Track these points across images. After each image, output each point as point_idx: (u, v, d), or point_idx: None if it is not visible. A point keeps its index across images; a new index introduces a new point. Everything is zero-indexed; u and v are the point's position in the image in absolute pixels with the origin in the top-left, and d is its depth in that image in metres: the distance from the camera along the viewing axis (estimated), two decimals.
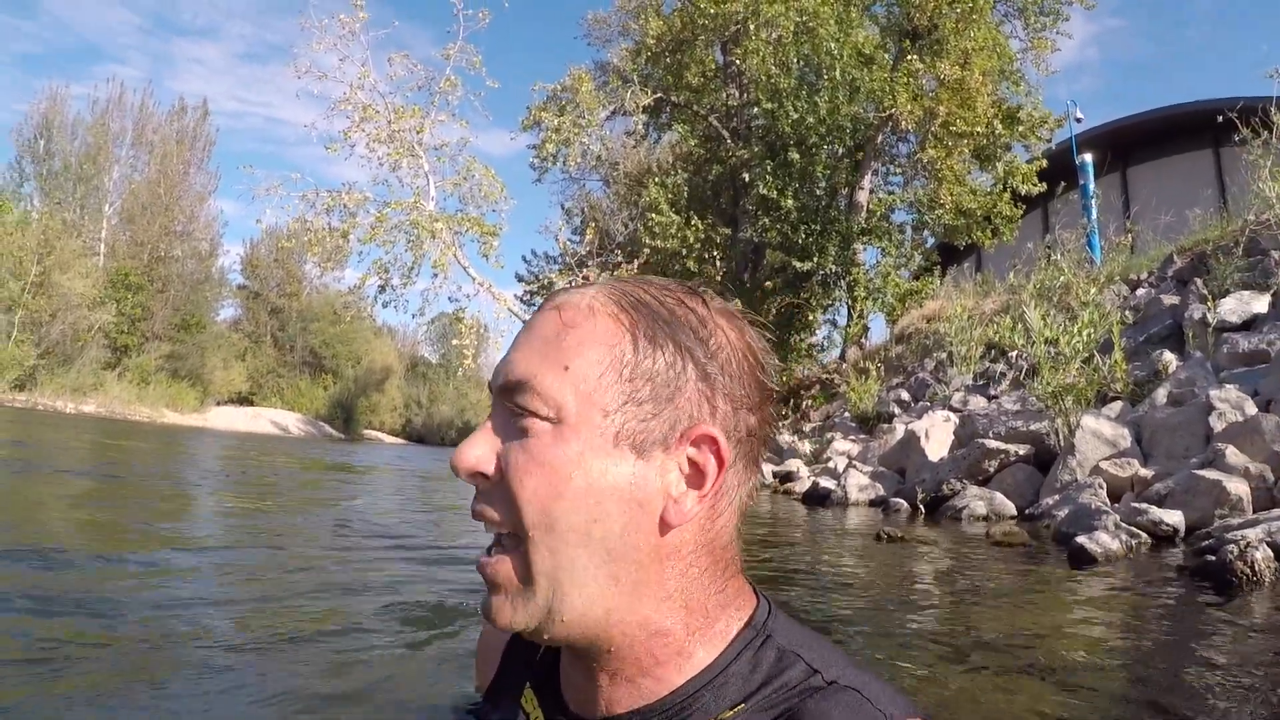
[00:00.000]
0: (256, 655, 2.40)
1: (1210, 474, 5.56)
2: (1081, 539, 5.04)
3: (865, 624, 3.57)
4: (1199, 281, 10.22)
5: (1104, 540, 5.01)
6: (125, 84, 65.45)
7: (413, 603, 3.36)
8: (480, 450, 1.00)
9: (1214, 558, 4.20)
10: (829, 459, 12.78)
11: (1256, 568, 3.97)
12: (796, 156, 22.03)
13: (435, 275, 24.30)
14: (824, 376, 21.28)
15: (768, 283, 23.86)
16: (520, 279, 34.91)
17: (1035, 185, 21.86)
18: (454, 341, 28.23)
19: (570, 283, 25.35)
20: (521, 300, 29.23)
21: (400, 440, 72.00)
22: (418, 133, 24.81)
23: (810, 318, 24.48)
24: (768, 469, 13.84)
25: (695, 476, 1.00)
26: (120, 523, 5.41)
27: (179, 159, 61.99)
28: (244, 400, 66.30)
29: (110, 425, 26.53)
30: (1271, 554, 4.05)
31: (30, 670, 1.95)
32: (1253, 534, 4.33)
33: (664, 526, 0.99)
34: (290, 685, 2.14)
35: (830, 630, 3.32)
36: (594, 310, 1.01)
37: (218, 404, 60.90)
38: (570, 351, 0.99)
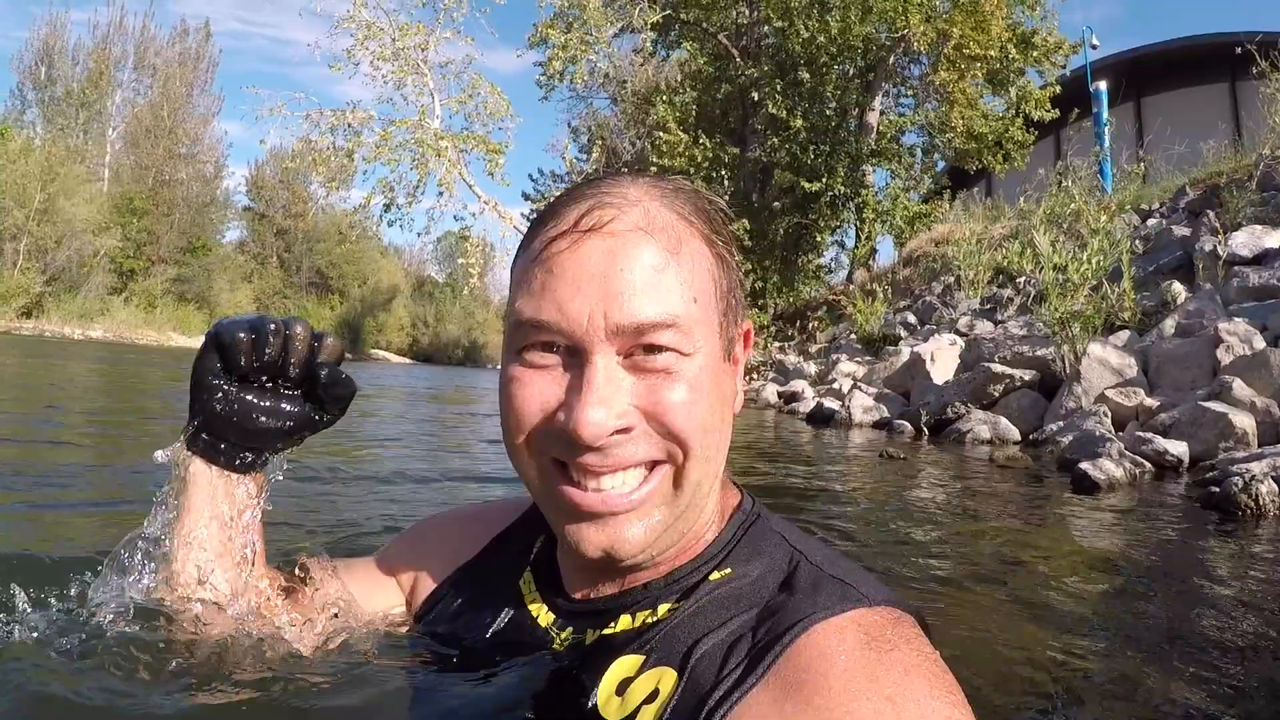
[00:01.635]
0: None
1: (1216, 406, 5.59)
2: (1085, 465, 5.07)
3: (864, 537, 3.63)
4: (1211, 214, 10.15)
5: (1108, 467, 5.05)
6: (126, 7, 64.62)
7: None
8: (618, 406, 1.00)
9: (1218, 489, 4.24)
10: (834, 380, 12.83)
11: (1261, 501, 4.01)
12: (807, 76, 21.76)
13: (441, 193, 24.25)
14: (831, 298, 21.24)
15: (776, 203, 23.72)
16: (527, 197, 34.64)
17: (1048, 111, 21.59)
18: (460, 260, 28.23)
19: None
20: (527, 219, 29.14)
21: (407, 360, 72.19)
22: (422, 50, 24.57)
23: (818, 239, 24.34)
24: (772, 389, 13.92)
25: (735, 365, 1.13)
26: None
27: (181, 81, 61.45)
28: None
29: (117, 350, 26.59)
30: (1276, 488, 4.10)
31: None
32: (1258, 467, 4.36)
33: (732, 415, 1.12)
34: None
35: (828, 541, 3.36)
36: (681, 235, 1.05)
37: None
38: (690, 283, 1.04)
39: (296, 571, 1.47)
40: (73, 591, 1.34)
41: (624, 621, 1.10)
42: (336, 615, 1.39)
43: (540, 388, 1.04)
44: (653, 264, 1.01)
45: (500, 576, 1.31)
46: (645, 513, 1.05)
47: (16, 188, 43.41)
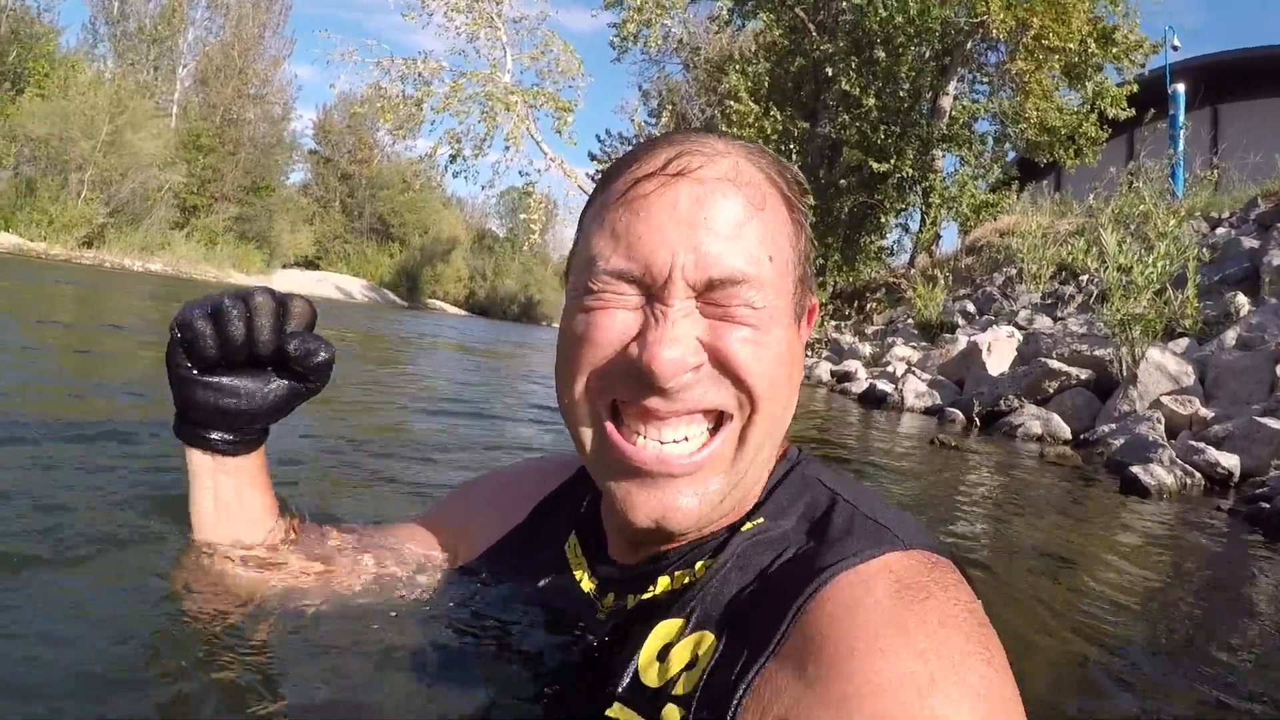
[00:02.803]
0: None
1: (1272, 422, 5.59)
2: (1135, 469, 5.12)
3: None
4: None
5: (1158, 473, 5.09)
6: None
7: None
8: (690, 348, 0.99)
9: (1268, 506, 4.27)
10: (888, 363, 12.83)
11: None
12: (882, 55, 21.53)
13: (507, 148, 24.38)
14: (891, 280, 21.17)
15: (842, 181, 23.56)
16: (593, 157, 34.72)
17: (1124, 109, 21.17)
18: (522, 216, 28.36)
19: None
20: (592, 179, 29.15)
21: (463, 312, 72.44)
22: (497, 4, 24.64)
23: (882, 220, 24.16)
24: (826, 367, 13.96)
25: (801, 331, 1.14)
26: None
27: (255, 22, 61.59)
28: (310, 264, 66.84)
29: (175, 285, 26.94)
30: None
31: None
32: None
33: (800, 378, 1.13)
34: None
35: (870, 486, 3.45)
36: (765, 194, 1.06)
37: (283, 266, 61.44)
38: (769, 241, 1.04)
39: (338, 535, 1.48)
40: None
41: (663, 583, 1.09)
42: (379, 579, 1.39)
43: (616, 321, 1.03)
44: (737, 216, 1.01)
45: (546, 540, 1.30)
46: (702, 480, 1.04)
47: (85, 119, 43.67)
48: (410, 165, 65.20)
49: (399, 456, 3.43)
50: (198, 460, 1.33)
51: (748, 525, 1.07)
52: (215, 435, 1.31)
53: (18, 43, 48.28)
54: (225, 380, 1.27)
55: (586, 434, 1.09)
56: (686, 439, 1.04)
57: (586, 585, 1.19)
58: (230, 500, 1.36)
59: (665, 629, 1.04)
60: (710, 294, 1.01)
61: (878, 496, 1.10)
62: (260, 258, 56.98)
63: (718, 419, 1.05)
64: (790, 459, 1.17)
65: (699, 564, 1.07)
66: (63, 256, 37.79)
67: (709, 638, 0.99)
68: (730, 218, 1.01)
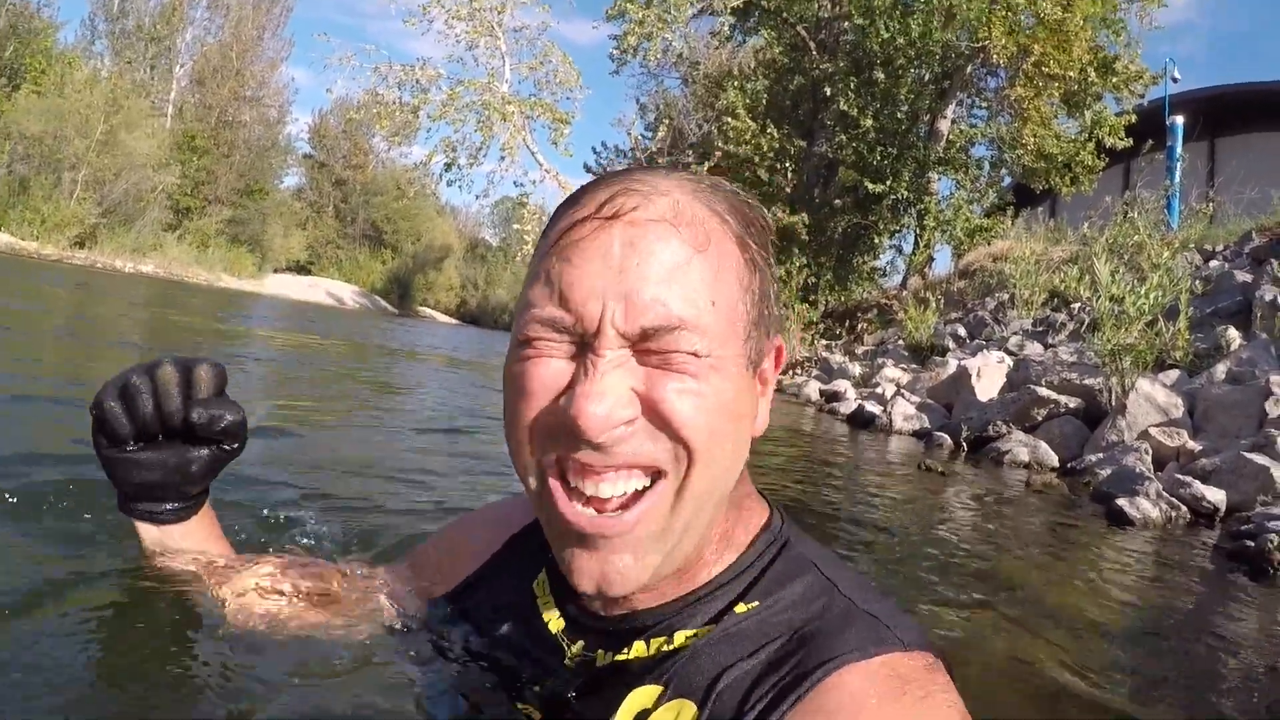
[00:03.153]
0: None
1: (1259, 458, 5.56)
2: (1121, 501, 5.09)
3: (895, 548, 3.67)
4: (1275, 263, 10.00)
5: (1144, 506, 5.06)
6: None
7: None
8: (621, 402, 0.94)
9: (1252, 543, 4.24)
10: (877, 384, 12.82)
11: None
12: (881, 76, 21.68)
13: (503, 158, 24.41)
14: (882, 301, 21.20)
15: (837, 200, 23.65)
16: (589, 169, 34.72)
17: (1121, 139, 21.36)
18: (515, 226, 28.35)
19: None
20: None
21: (454, 320, 72.53)
22: (498, 13, 24.70)
23: (876, 241, 24.28)
24: (815, 386, 13.95)
25: (763, 385, 1.07)
26: None
27: (253, 23, 61.67)
28: (302, 269, 66.85)
29: (167, 287, 26.89)
30: None
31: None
32: None
33: (752, 430, 1.05)
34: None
35: (856, 548, 3.45)
36: (710, 233, 0.99)
37: (275, 271, 61.45)
38: (712, 283, 0.97)
39: (340, 576, 1.46)
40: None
41: (638, 648, 1.06)
42: (367, 620, 1.37)
43: (550, 371, 0.98)
44: (674, 259, 0.95)
45: (517, 578, 1.27)
46: (637, 540, 0.99)
47: (79, 117, 43.62)
48: (405, 172, 65.39)
49: (386, 480, 3.36)
50: (143, 531, 1.37)
51: (741, 607, 1.03)
52: (149, 507, 1.35)
53: (15, 37, 48.27)
54: (144, 455, 1.30)
55: (533, 491, 1.05)
56: (621, 492, 0.99)
57: (554, 625, 1.16)
58: (185, 558, 1.39)
59: (641, 695, 1.01)
60: (645, 343, 0.95)
61: (869, 585, 1.07)
62: (252, 262, 56.92)
63: (656, 474, 0.99)
64: (774, 532, 1.10)
65: (680, 634, 1.04)
66: (54, 256, 37.73)
67: (690, 707, 0.97)
68: (665, 261, 0.95)
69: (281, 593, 1.36)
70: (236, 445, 1.34)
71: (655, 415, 0.95)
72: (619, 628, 1.08)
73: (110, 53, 56.71)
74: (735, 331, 0.99)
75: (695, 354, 0.95)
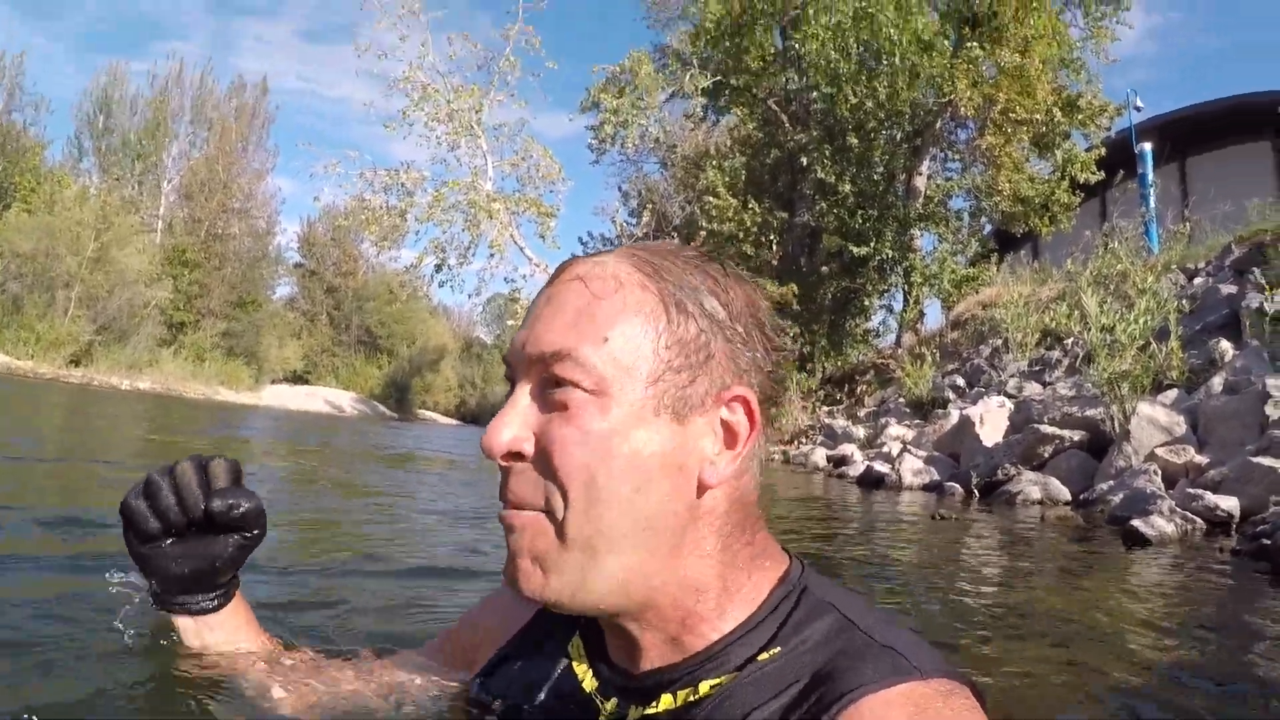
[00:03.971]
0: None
1: (1266, 461, 5.61)
2: (1136, 522, 5.11)
3: (919, 597, 3.64)
4: (1257, 271, 10.13)
5: (1159, 524, 5.08)
6: (185, 60, 65.71)
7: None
8: (515, 429, 1.01)
9: (1269, 542, 4.27)
10: (883, 444, 12.83)
11: None
12: (855, 141, 21.96)
13: (492, 255, 24.50)
14: (879, 362, 21.24)
15: (824, 267, 23.79)
16: None
17: (1093, 173, 21.63)
18: (509, 322, 28.44)
19: None
20: None
21: (454, 421, 72.20)
22: (476, 112, 24.99)
23: (866, 303, 24.39)
24: (821, 452, 13.94)
25: (729, 437, 1.03)
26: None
27: (237, 136, 62.08)
28: (299, 378, 66.61)
29: (164, 403, 26.78)
30: None
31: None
32: None
33: (700, 488, 1.02)
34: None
35: (880, 599, 3.40)
36: (622, 281, 1.03)
37: (272, 382, 61.24)
38: (606, 323, 1.00)
39: (363, 658, 1.51)
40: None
41: (665, 700, 1.06)
42: (400, 703, 1.39)
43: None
44: (577, 303, 1.02)
45: (552, 640, 1.28)
46: (538, 553, 1.02)
47: (70, 235, 43.59)
48: (396, 276, 65.28)
49: (402, 577, 3.31)
50: (181, 624, 1.42)
51: (763, 656, 1.03)
52: (184, 600, 1.41)
53: (4, 156, 48.68)
54: (173, 549, 1.36)
55: None
56: (518, 528, 1.05)
57: (589, 685, 1.17)
58: (223, 647, 1.44)
59: None
60: (546, 379, 1.01)
61: (889, 619, 1.07)
62: (248, 374, 56.70)
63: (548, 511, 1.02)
64: (791, 581, 1.10)
65: (705, 684, 1.04)
66: (50, 375, 37.49)
67: None
68: (570, 306, 1.02)
69: (313, 681, 1.40)
70: (258, 532, 1.39)
71: (540, 455, 1.01)
72: (645, 684, 1.09)
73: (98, 169, 56.88)
74: (635, 372, 1.00)
75: (583, 387, 0.99)
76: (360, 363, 71.86)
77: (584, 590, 1.01)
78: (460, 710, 1.33)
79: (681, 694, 1.05)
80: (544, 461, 1.00)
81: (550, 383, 1.00)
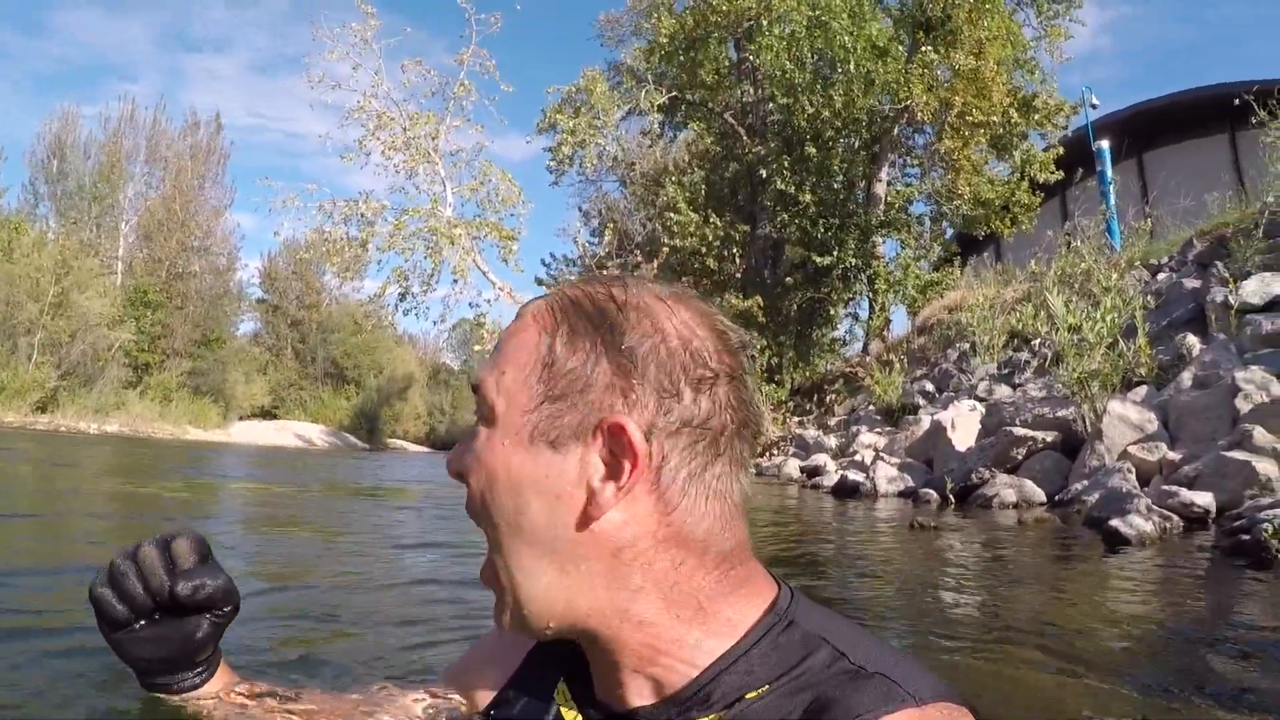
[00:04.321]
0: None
1: (1238, 455, 5.61)
2: (1115, 522, 5.08)
3: (902, 608, 3.61)
4: (1220, 264, 10.22)
5: (1137, 523, 5.05)
6: (137, 101, 65.13)
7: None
8: (459, 455, 1.10)
9: (1248, 536, 4.25)
10: (855, 452, 12.80)
11: None
12: (813, 151, 22.09)
13: (455, 281, 24.37)
14: (847, 370, 21.30)
15: (788, 278, 23.89)
16: (540, 282, 34.73)
17: (1053, 173, 21.87)
18: (475, 347, 28.35)
19: None
20: None
21: (425, 448, 71.94)
22: (433, 139, 24.92)
23: (832, 312, 24.51)
24: (794, 464, 13.89)
25: (615, 468, 1.00)
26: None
27: (193, 174, 61.79)
28: (267, 414, 66.24)
29: (133, 445, 26.47)
30: None
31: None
32: None
33: (586, 518, 1.00)
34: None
35: (865, 616, 3.36)
36: (530, 318, 1.08)
37: (240, 418, 60.91)
38: (507, 356, 1.07)
39: (359, 700, 1.49)
40: None
41: None
42: None
43: None
44: (500, 341, 1.11)
45: (539, 688, 1.27)
46: (496, 587, 1.09)
47: (30, 282, 43.33)
48: (359, 306, 65.20)
49: (394, 618, 3.26)
50: (167, 701, 1.40)
51: (752, 694, 1.00)
52: (165, 680, 1.38)
53: None
54: (146, 633, 1.33)
55: None
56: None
57: None
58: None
59: None
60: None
61: (881, 645, 1.04)
62: (216, 412, 56.32)
63: None
64: (779, 612, 1.06)
65: None
66: (17, 423, 37.09)
67: None
68: (500, 340, 1.11)
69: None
70: (230, 609, 1.37)
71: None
72: None
73: (54, 214, 56.44)
74: (516, 401, 1.04)
75: (482, 415, 1.07)
76: (328, 395, 71.52)
77: (522, 615, 1.06)
78: None
79: None
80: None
81: (475, 413, 1.08)
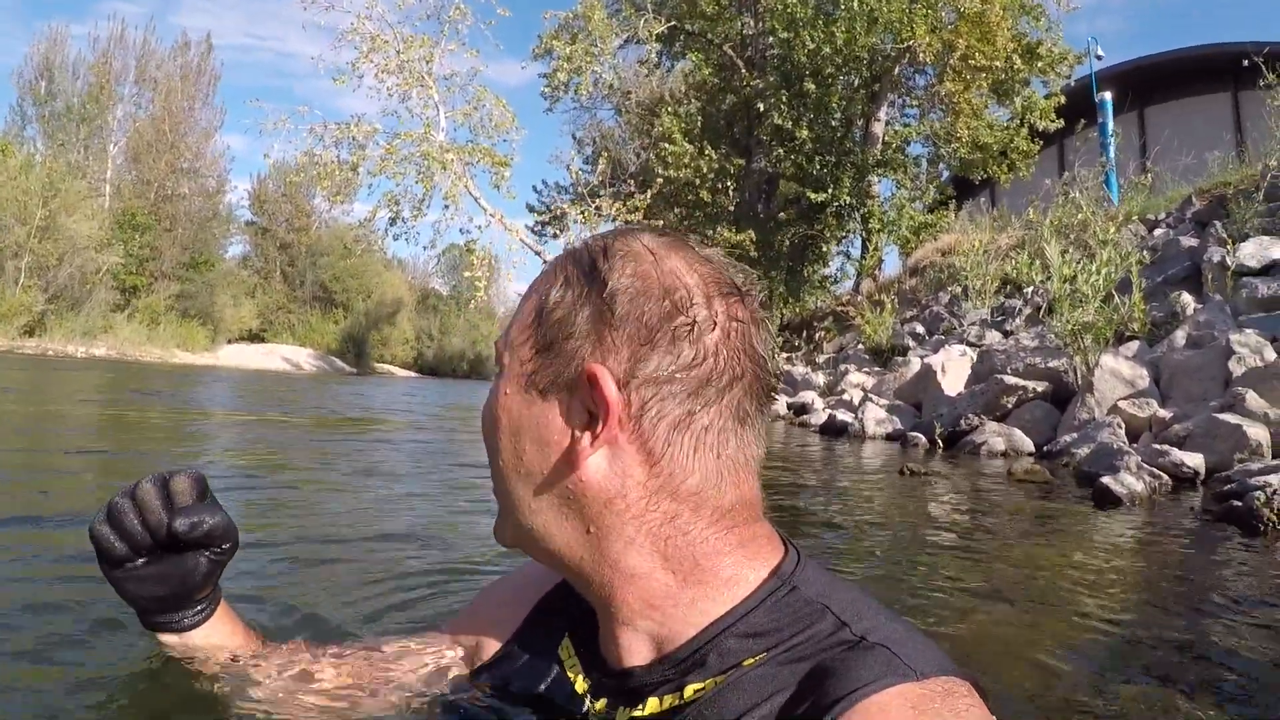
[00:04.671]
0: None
1: (1230, 418, 5.65)
2: (1106, 479, 5.10)
3: (891, 558, 3.62)
4: (1218, 224, 10.20)
5: (1128, 481, 5.08)
6: (126, 21, 64.40)
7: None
8: (488, 400, 1.14)
9: (1239, 503, 4.28)
10: (843, 391, 12.85)
11: None
12: (812, 87, 21.88)
13: (446, 207, 24.27)
14: (837, 308, 21.33)
15: (781, 214, 23.81)
16: (531, 209, 34.45)
17: (1053, 121, 21.73)
18: (465, 273, 28.18)
19: (583, 212, 24.95)
20: (533, 231, 29.11)
21: (412, 373, 72.04)
22: (427, 62, 24.61)
23: (824, 249, 24.48)
24: (782, 400, 13.91)
25: (591, 418, 1.01)
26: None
27: (183, 95, 61.13)
28: (255, 337, 66.18)
29: (121, 369, 26.36)
30: None
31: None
32: (1276, 480, 4.39)
33: (571, 465, 1.02)
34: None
35: (852, 564, 3.39)
36: (542, 271, 1.14)
37: (229, 342, 60.81)
38: (518, 310, 1.13)
39: (360, 649, 1.49)
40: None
41: (652, 704, 1.04)
42: (405, 694, 1.39)
43: None
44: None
45: (545, 643, 1.29)
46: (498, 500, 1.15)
47: (17, 205, 43.06)
48: (349, 230, 64.80)
49: (397, 551, 3.26)
50: (166, 640, 1.41)
51: (749, 661, 0.98)
52: (165, 619, 1.39)
53: None
54: (145, 570, 1.34)
55: None
56: None
57: (580, 686, 1.18)
58: (220, 655, 1.43)
59: None
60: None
61: (885, 613, 1.02)
62: (205, 335, 56.26)
63: None
64: (781, 576, 1.04)
65: (689, 688, 1.01)
66: (4, 347, 37.02)
67: None
68: None
69: (312, 676, 1.39)
70: (228, 546, 1.37)
71: None
72: (631, 685, 1.08)
73: (42, 136, 56.04)
74: (518, 352, 1.09)
75: (499, 361, 1.12)
76: (316, 319, 71.38)
77: (520, 535, 1.12)
78: (456, 706, 1.32)
79: (668, 699, 1.03)
80: None
81: None
